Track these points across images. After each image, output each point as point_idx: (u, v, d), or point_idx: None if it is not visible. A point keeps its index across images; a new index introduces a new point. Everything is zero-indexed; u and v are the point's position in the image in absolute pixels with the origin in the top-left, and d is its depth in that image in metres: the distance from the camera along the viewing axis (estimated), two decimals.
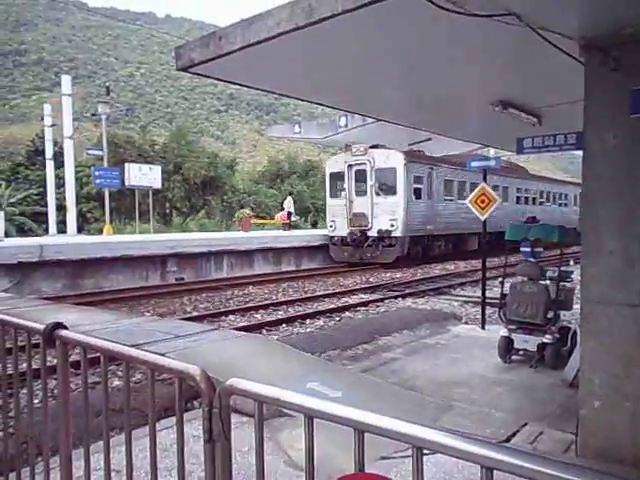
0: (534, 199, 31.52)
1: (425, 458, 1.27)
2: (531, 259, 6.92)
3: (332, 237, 22.10)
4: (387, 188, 20.95)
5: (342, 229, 21.53)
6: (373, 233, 20.64)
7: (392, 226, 20.31)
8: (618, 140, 3.63)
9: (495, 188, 24.77)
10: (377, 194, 20.89)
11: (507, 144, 8.22)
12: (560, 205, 34.38)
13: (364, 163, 20.92)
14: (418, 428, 1.21)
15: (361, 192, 21.27)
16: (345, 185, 21.71)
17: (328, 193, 23.08)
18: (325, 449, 3.44)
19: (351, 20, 3.17)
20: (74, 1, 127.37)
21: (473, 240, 24.73)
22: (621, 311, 3.65)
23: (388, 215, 20.44)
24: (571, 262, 9.73)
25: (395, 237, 20.42)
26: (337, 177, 22.17)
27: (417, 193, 21.52)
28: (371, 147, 21.44)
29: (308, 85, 5.31)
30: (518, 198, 29.55)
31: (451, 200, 23.67)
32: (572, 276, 6.84)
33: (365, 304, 11.93)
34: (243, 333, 7.86)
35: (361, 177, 21.11)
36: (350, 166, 21.49)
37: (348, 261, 21.16)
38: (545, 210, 30.49)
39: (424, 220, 21.61)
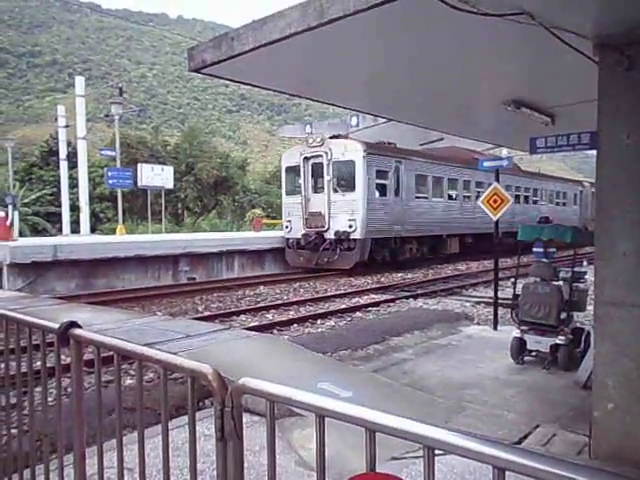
0: (527, 198, 29.19)
1: (436, 459, 1.27)
2: (544, 260, 6.88)
3: (288, 239, 19.58)
4: (345, 184, 18.53)
5: (298, 230, 19.05)
6: (330, 235, 18.11)
7: (350, 227, 17.80)
8: (632, 140, 3.59)
9: (479, 185, 23.69)
10: (335, 191, 18.40)
11: (520, 144, 8.18)
12: (558, 204, 32.16)
13: (320, 155, 18.39)
14: (430, 428, 1.21)
15: (318, 188, 18.87)
16: (301, 181, 19.14)
17: (284, 190, 20.67)
18: (336, 449, 3.44)
19: (362, 20, 3.17)
20: (88, 3, 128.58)
21: (454, 242, 22.85)
22: (635, 313, 3.61)
23: (347, 215, 17.99)
24: (584, 263, 9.65)
25: (354, 240, 17.89)
26: (293, 171, 19.66)
27: (381, 190, 18.97)
28: (331, 137, 19.28)
29: (319, 85, 5.31)
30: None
31: (425, 198, 21.31)
32: (585, 277, 6.79)
33: (376, 304, 11.91)
34: (254, 333, 7.89)
35: (318, 171, 18.66)
36: (306, 159, 18.92)
37: (304, 267, 18.74)
38: (540, 210, 28.17)
39: (391, 220, 19.05)
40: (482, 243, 24.08)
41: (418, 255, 21.12)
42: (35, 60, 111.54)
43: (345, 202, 18.11)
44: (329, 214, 18.30)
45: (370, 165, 18.14)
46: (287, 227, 19.65)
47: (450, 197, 22.93)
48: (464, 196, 23.66)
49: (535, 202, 29.68)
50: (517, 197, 27.54)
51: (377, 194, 18.73)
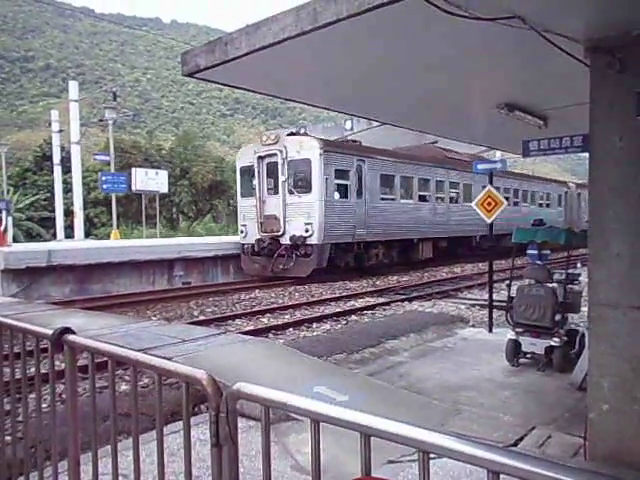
0: (506, 199, 28.20)
1: (432, 462, 1.27)
2: (538, 262, 6.90)
3: (243, 245, 18.22)
4: (302, 184, 17.10)
5: (254, 235, 17.69)
6: (286, 240, 16.78)
7: (307, 231, 16.41)
8: (624, 142, 3.61)
9: (453, 186, 23.11)
10: (290, 192, 17.01)
11: (513, 146, 8.21)
12: (541, 206, 30.48)
13: (275, 154, 17.03)
14: (424, 432, 1.21)
15: (274, 190, 17.47)
16: (255, 181, 17.77)
17: (239, 191, 19.18)
18: (332, 453, 3.44)
19: (356, 24, 3.18)
20: (81, 7, 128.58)
21: (427, 247, 21.53)
22: (629, 314, 3.62)
23: (303, 218, 16.61)
24: (578, 264, 9.69)
25: (311, 245, 16.47)
26: (248, 172, 18.19)
27: (342, 191, 17.69)
28: (289, 134, 17.96)
29: (313, 89, 5.32)
30: None
31: (392, 199, 19.90)
32: (580, 279, 6.81)
33: (372, 307, 11.91)
34: (250, 337, 7.87)
35: (273, 171, 17.30)
36: (261, 158, 17.55)
37: (260, 275, 17.42)
38: (521, 212, 27.01)
39: (353, 224, 17.69)
40: (458, 247, 23.74)
41: (386, 261, 19.76)
42: (29, 65, 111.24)
43: (301, 204, 16.79)
44: (284, 217, 16.98)
45: (328, 164, 16.79)
46: (242, 232, 18.34)
47: (422, 198, 21.63)
48: (437, 197, 22.49)
49: (516, 204, 28.13)
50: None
51: (337, 195, 17.49)
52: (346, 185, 17.73)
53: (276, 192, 17.25)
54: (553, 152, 5.91)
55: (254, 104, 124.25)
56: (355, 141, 20.63)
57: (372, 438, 1.35)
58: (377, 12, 2.98)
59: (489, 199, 8.69)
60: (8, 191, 37.53)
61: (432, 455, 1.25)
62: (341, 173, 17.47)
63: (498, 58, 4.30)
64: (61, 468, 2.52)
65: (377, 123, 19.97)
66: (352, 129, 27.74)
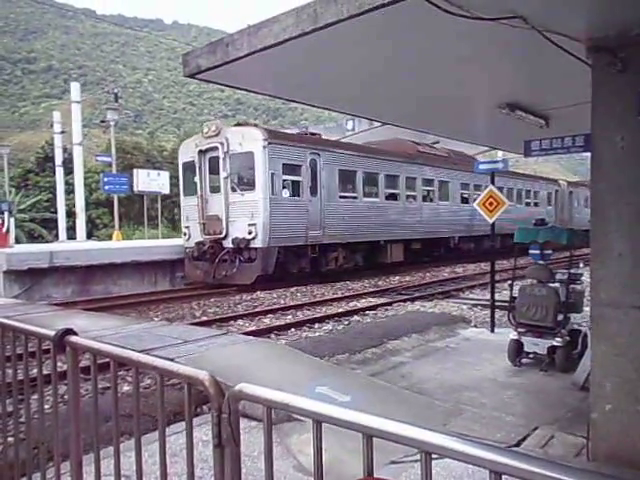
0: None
1: (434, 462, 1.27)
2: (540, 262, 6.89)
3: (187, 249, 16.59)
4: (245, 181, 15.61)
5: (197, 238, 16.14)
6: (229, 243, 15.24)
7: (250, 233, 14.85)
8: (626, 142, 3.61)
9: (427, 183, 21.52)
10: (233, 190, 15.43)
11: (514, 146, 8.20)
12: (529, 205, 28.93)
13: (216, 147, 15.40)
14: (426, 433, 1.21)
15: (216, 187, 15.87)
16: (197, 178, 16.16)
17: (182, 189, 17.50)
18: (334, 453, 3.43)
19: (356, 25, 3.18)
20: (83, 9, 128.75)
21: (397, 249, 19.85)
22: (631, 314, 3.62)
23: (246, 218, 15.03)
24: (580, 264, 9.67)
25: (255, 249, 14.93)
26: (190, 168, 16.53)
27: (293, 188, 16.14)
28: (235, 125, 16.55)
29: (315, 90, 5.32)
30: (464, 197, 24.03)
31: (353, 197, 18.17)
32: (582, 278, 6.80)
33: (374, 308, 11.90)
34: (252, 338, 7.88)
35: (215, 167, 15.72)
36: (202, 152, 15.97)
37: (203, 281, 15.78)
38: (507, 211, 25.95)
39: (305, 225, 15.99)
40: (435, 249, 22.32)
41: (349, 265, 18.19)
42: (30, 66, 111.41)
43: (244, 203, 15.19)
44: (227, 218, 15.36)
45: (274, 157, 15.12)
46: (185, 234, 16.77)
47: (390, 197, 19.98)
48: (407, 195, 20.72)
49: None
50: (476, 198, 24.64)
51: (286, 193, 15.88)
52: (297, 181, 16.09)
53: (219, 190, 15.65)
54: (555, 152, 5.90)
55: (256, 105, 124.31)
56: (314, 134, 18.98)
57: (374, 438, 1.35)
58: (378, 13, 2.98)
59: (491, 199, 8.68)
60: (10, 192, 37.59)
61: (434, 455, 1.25)
62: (291, 168, 15.81)
63: (499, 58, 4.30)
64: (64, 469, 2.53)
65: (378, 123, 19.95)
66: (354, 129, 27.78)
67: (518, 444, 4.21)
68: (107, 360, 2.29)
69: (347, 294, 14.07)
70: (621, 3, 3.20)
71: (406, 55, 4.17)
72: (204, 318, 11.03)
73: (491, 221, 8.81)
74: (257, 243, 14.89)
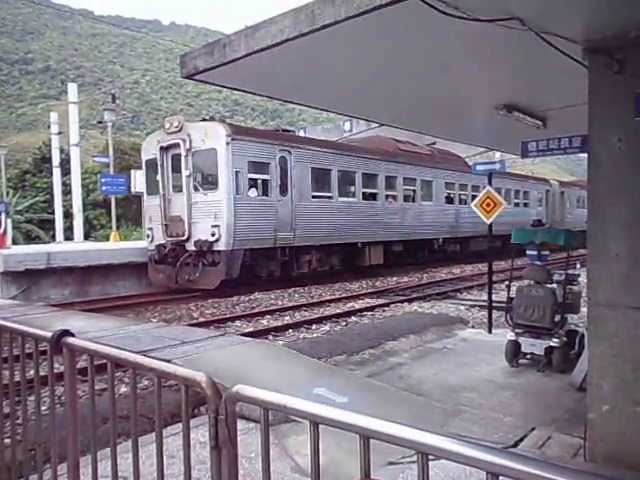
0: (476, 197, 25.27)
1: (432, 463, 1.27)
2: (537, 262, 6.90)
3: (149, 251, 15.65)
4: (208, 180, 14.82)
5: (159, 240, 15.22)
6: (192, 246, 14.37)
7: (213, 235, 13.96)
8: (623, 143, 3.62)
9: (409, 182, 20.58)
10: (196, 189, 14.58)
11: (512, 147, 8.21)
12: (518, 205, 27.67)
13: (179, 144, 14.51)
14: (422, 434, 1.21)
15: (179, 187, 15.05)
16: (159, 177, 15.20)
17: (145, 188, 16.52)
18: (332, 454, 3.43)
19: (354, 26, 3.19)
20: (80, 10, 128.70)
21: (376, 251, 18.96)
22: (629, 314, 3.63)
23: (210, 219, 14.16)
24: (578, 265, 9.70)
25: (218, 251, 14.06)
26: (153, 166, 15.56)
27: (261, 187, 15.22)
28: (202, 121, 15.66)
29: (312, 91, 5.33)
30: (449, 197, 23.19)
31: (328, 197, 17.22)
32: (579, 279, 6.82)
33: (371, 309, 11.91)
34: (249, 339, 7.87)
35: (178, 165, 14.80)
36: (164, 149, 15.03)
37: (166, 286, 14.91)
38: None
39: (275, 226, 15.10)
40: (418, 251, 21.53)
41: (324, 268, 17.32)
42: (28, 67, 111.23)
43: (207, 203, 14.33)
44: (190, 219, 14.48)
45: (238, 154, 14.22)
46: (148, 236, 15.79)
47: (368, 196, 19.03)
48: (387, 195, 19.77)
49: None
50: (463, 198, 23.84)
51: (254, 192, 14.98)
52: (266, 180, 15.17)
53: (182, 189, 14.86)
54: (552, 153, 5.92)
55: (253, 105, 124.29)
56: (288, 130, 18.09)
57: (372, 439, 1.35)
58: (375, 14, 2.98)
59: (488, 200, 8.69)
60: (7, 193, 37.53)
61: (431, 457, 1.25)
62: (258, 166, 14.91)
63: (497, 59, 4.30)
64: (60, 471, 2.52)
65: (376, 124, 19.90)
66: (351, 130, 27.76)
67: (515, 445, 4.21)
68: (104, 361, 2.28)
69: (344, 295, 14.07)
70: (617, 5, 3.20)
71: (403, 56, 4.18)
72: (202, 319, 11.02)
73: (488, 222, 8.81)
74: (220, 246, 14.01)
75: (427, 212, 21.51)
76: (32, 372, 2.70)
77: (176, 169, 14.92)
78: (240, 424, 1.77)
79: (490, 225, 8.91)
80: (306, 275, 16.56)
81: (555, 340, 6.29)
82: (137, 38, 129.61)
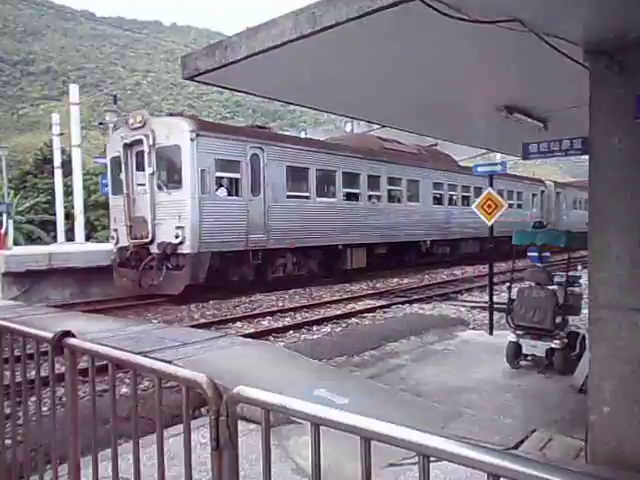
0: (466, 199, 23.49)
1: (433, 465, 1.27)
2: (539, 264, 6.90)
3: (114, 254, 14.95)
4: (172, 178, 13.97)
5: (125, 242, 14.34)
6: (155, 248, 13.48)
7: (177, 237, 13.06)
8: (624, 144, 3.62)
9: (393, 182, 19.77)
10: (159, 188, 13.66)
11: (513, 149, 8.21)
12: (511, 206, 24.43)
13: (142, 140, 13.61)
14: (424, 436, 1.21)
15: (143, 185, 14.14)
16: (122, 175, 14.37)
17: (110, 187, 15.71)
18: (333, 456, 3.43)
19: (355, 28, 3.19)
20: (82, 11, 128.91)
21: (359, 254, 18.14)
22: (630, 316, 3.62)
23: (174, 220, 13.26)
24: (579, 267, 9.69)
25: (183, 254, 13.15)
26: (118, 164, 14.73)
27: (230, 186, 14.34)
28: (169, 115, 14.95)
29: (313, 92, 5.33)
30: (437, 197, 22.35)
31: (305, 197, 16.35)
32: (580, 281, 6.81)
33: (372, 310, 11.90)
34: (250, 340, 7.87)
35: (142, 162, 13.95)
36: (128, 146, 14.19)
37: (131, 290, 14.03)
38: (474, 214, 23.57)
39: (246, 228, 14.23)
40: (404, 254, 20.70)
41: (302, 272, 16.47)
42: (29, 68, 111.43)
43: (171, 203, 13.44)
44: (153, 220, 13.56)
45: (204, 151, 13.38)
46: (113, 238, 14.97)
47: (349, 197, 18.22)
48: (371, 196, 18.90)
49: (467, 204, 23.86)
50: (451, 198, 23.20)
51: (224, 192, 14.13)
52: (236, 179, 14.31)
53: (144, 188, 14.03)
54: (553, 155, 5.92)
55: (254, 107, 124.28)
56: (262, 127, 17.22)
57: (373, 441, 1.35)
58: (376, 16, 2.98)
59: (489, 201, 8.68)
60: (9, 194, 37.56)
61: (432, 458, 1.25)
62: (227, 164, 14.07)
63: (498, 60, 4.30)
64: (61, 471, 2.52)
65: (377, 126, 19.84)
66: (352, 131, 27.72)
67: (516, 447, 4.20)
68: (105, 362, 2.29)
69: (345, 296, 14.07)
70: (618, 6, 3.20)
71: (404, 58, 4.18)
72: (202, 320, 11.02)
73: (490, 223, 8.80)
74: (185, 248, 13.10)
75: (413, 213, 20.68)
76: (33, 373, 2.70)
77: (140, 167, 14.11)
78: (240, 425, 1.78)
79: (491, 227, 8.90)
80: (281, 279, 15.74)
81: (556, 342, 6.29)
82: (138, 39, 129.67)
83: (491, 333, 8.61)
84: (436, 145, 22.61)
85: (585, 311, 4.82)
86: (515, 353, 6.60)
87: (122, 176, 14.36)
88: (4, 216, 19.77)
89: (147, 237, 13.58)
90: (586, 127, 3.85)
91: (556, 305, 6.36)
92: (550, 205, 30.93)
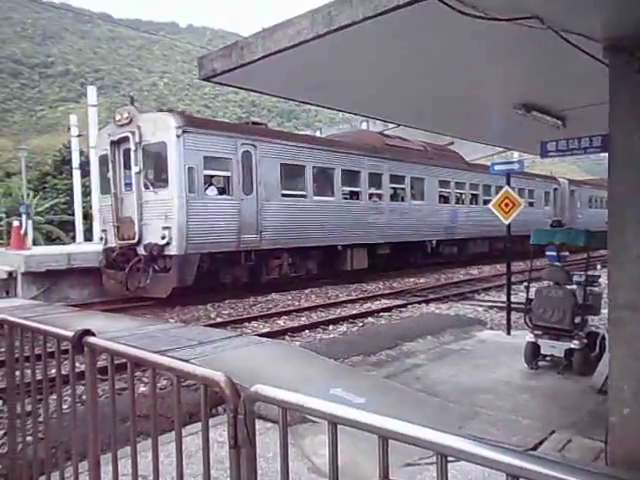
0: (475, 197, 22.93)
1: (450, 465, 1.27)
2: (557, 263, 6.83)
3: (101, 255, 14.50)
4: (159, 177, 13.46)
5: (112, 243, 13.91)
6: (142, 250, 12.97)
7: (163, 238, 12.55)
8: None
9: (396, 180, 18.96)
10: (146, 187, 13.20)
11: (530, 147, 8.13)
12: None
13: (128, 137, 13.20)
14: (442, 435, 1.21)
15: (131, 184, 13.60)
16: (110, 173, 13.94)
17: (98, 186, 15.34)
18: (349, 455, 3.43)
19: (371, 27, 3.18)
20: (99, 13, 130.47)
21: (359, 255, 17.42)
22: None
23: (160, 221, 12.75)
24: (598, 266, 9.56)
25: (170, 256, 12.62)
26: (105, 162, 14.34)
27: (221, 184, 13.84)
28: (160, 111, 14.16)
29: (329, 92, 5.33)
30: (443, 196, 21.44)
31: (302, 196, 15.69)
32: (599, 280, 6.73)
33: (388, 309, 11.88)
34: (266, 339, 7.90)
35: (129, 160, 13.45)
36: (115, 144, 13.74)
37: (119, 293, 13.55)
38: (481, 213, 21.52)
39: (237, 227, 13.66)
40: (407, 254, 19.84)
41: (299, 274, 15.88)
42: (48, 71, 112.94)
43: (158, 203, 12.89)
44: (140, 220, 13.08)
45: (192, 148, 12.81)
46: (102, 238, 14.50)
47: (349, 195, 17.68)
48: (372, 194, 18.14)
49: (488, 202, 23.88)
50: (459, 197, 22.36)
51: (214, 191, 13.57)
52: (227, 177, 13.75)
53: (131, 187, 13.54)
54: (572, 153, 5.85)
55: (270, 107, 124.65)
56: (259, 123, 16.55)
57: (389, 441, 1.35)
58: (393, 14, 2.97)
59: (507, 200, 8.61)
60: (28, 195, 38.12)
61: (450, 458, 1.24)
62: (216, 161, 13.52)
63: (515, 58, 4.27)
64: (81, 468, 2.56)
65: (393, 125, 19.72)
66: (367, 130, 27.61)
67: (535, 448, 4.17)
68: (124, 361, 2.31)
69: (361, 296, 14.05)
70: (638, 2, 3.16)
71: (421, 56, 4.16)
72: (219, 320, 11.09)
73: (507, 222, 8.73)
74: (172, 250, 12.56)
75: (418, 212, 19.84)
76: (54, 371, 2.74)
77: (128, 165, 13.58)
78: (257, 424, 1.78)
79: (509, 226, 8.82)
80: (277, 281, 15.09)
81: (575, 342, 6.22)
82: (155, 41, 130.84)
83: (509, 333, 8.54)
84: (452, 144, 22.44)
85: (604, 311, 4.76)
86: (533, 353, 6.54)
87: (110, 175, 13.96)
88: (24, 217, 20.07)
89: (134, 238, 13.12)
90: (606, 125, 3.80)
91: (575, 305, 6.29)
92: (564, 203, 29.85)
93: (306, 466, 3.83)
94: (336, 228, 16.48)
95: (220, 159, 13.56)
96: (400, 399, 5.24)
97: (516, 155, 23.63)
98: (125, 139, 13.34)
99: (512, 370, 6.51)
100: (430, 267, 20.36)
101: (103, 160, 14.55)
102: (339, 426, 1.46)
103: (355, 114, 7.55)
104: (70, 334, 2.41)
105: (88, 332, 2.40)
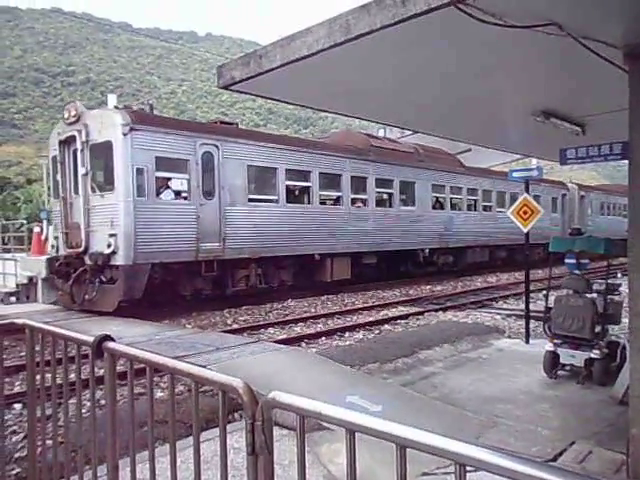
0: (474, 203, 21.82)
1: (468, 475, 1.26)
2: (576, 271, 6.74)
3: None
4: (106, 180, 12.21)
5: (61, 250, 12.73)
6: (88, 259, 11.75)
7: (109, 246, 11.38)
8: None
9: (383, 184, 17.65)
10: (93, 190, 12.06)
11: (549, 154, 8.06)
12: None
13: (75, 137, 12.05)
14: (461, 445, 1.20)
15: (78, 188, 12.41)
16: (59, 175, 12.81)
17: (52, 190, 14.08)
18: (365, 464, 3.41)
19: (388, 35, 3.19)
20: (119, 23, 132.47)
21: (341, 264, 16.21)
22: None
23: (106, 227, 11.58)
24: (619, 274, 9.43)
25: (116, 266, 11.43)
26: (56, 162, 13.10)
27: (178, 188, 12.48)
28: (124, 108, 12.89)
29: (346, 99, 5.34)
30: (438, 201, 20.21)
31: (273, 201, 14.45)
32: (620, 289, 6.63)
33: (405, 317, 11.82)
34: (283, 346, 7.91)
35: (78, 161, 12.29)
36: (63, 143, 12.57)
37: (68, 306, 12.29)
38: (496, 219, 21.30)
39: (196, 235, 12.40)
40: (400, 264, 18.90)
41: (271, 285, 14.71)
42: (69, 79, 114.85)
43: (104, 208, 11.73)
44: (87, 227, 11.90)
45: (141, 148, 11.59)
46: (53, 246, 13.47)
47: (329, 200, 16.81)
48: (355, 199, 16.88)
49: (488, 209, 22.05)
50: (455, 202, 21.08)
51: (169, 195, 12.33)
52: (186, 179, 12.46)
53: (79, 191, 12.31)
54: (591, 160, 5.78)
55: (287, 114, 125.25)
56: (228, 123, 15.13)
57: (406, 450, 1.34)
58: (411, 23, 2.98)
59: (525, 207, 8.54)
60: (49, 201, 38.68)
61: (469, 468, 1.23)
62: (171, 163, 12.26)
63: (534, 65, 4.24)
64: (100, 472, 2.58)
65: (409, 132, 19.63)
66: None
67: (555, 459, 4.11)
68: (142, 366, 2.33)
69: (378, 303, 14.00)
70: None
71: (439, 63, 4.16)
72: (235, 326, 11.13)
73: (525, 230, 8.65)
74: (118, 259, 11.38)
75: (408, 219, 18.52)
76: (73, 375, 2.77)
77: (76, 166, 12.43)
78: (273, 431, 1.79)
79: (527, 234, 8.73)
80: (244, 292, 13.96)
81: (595, 351, 6.13)
82: (174, 49, 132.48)
83: (527, 342, 8.45)
84: (469, 151, 22.30)
85: (625, 320, 4.68)
86: (553, 363, 6.46)
87: (59, 177, 12.84)
88: (44, 222, 20.33)
89: (80, 246, 11.93)
90: (626, 131, 3.75)
91: (595, 314, 6.20)
92: (573, 210, 28.08)
93: (322, 474, 3.82)
94: (312, 236, 15.32)
95: (176, 160, 12.33)
96: (417, 407, 5.21)
97: (534, 162, 23.35)
98: (72, 138, 12.22)
99: (531, 379, 6.43)
100: (448, 275, 20.06)
101: (54, 161, 13.29)
102: (356, 434, 1.45)
103: (372, 121, 7.55)
104: (90, 339, 2.44)
105: (108, 337, 2.42)
